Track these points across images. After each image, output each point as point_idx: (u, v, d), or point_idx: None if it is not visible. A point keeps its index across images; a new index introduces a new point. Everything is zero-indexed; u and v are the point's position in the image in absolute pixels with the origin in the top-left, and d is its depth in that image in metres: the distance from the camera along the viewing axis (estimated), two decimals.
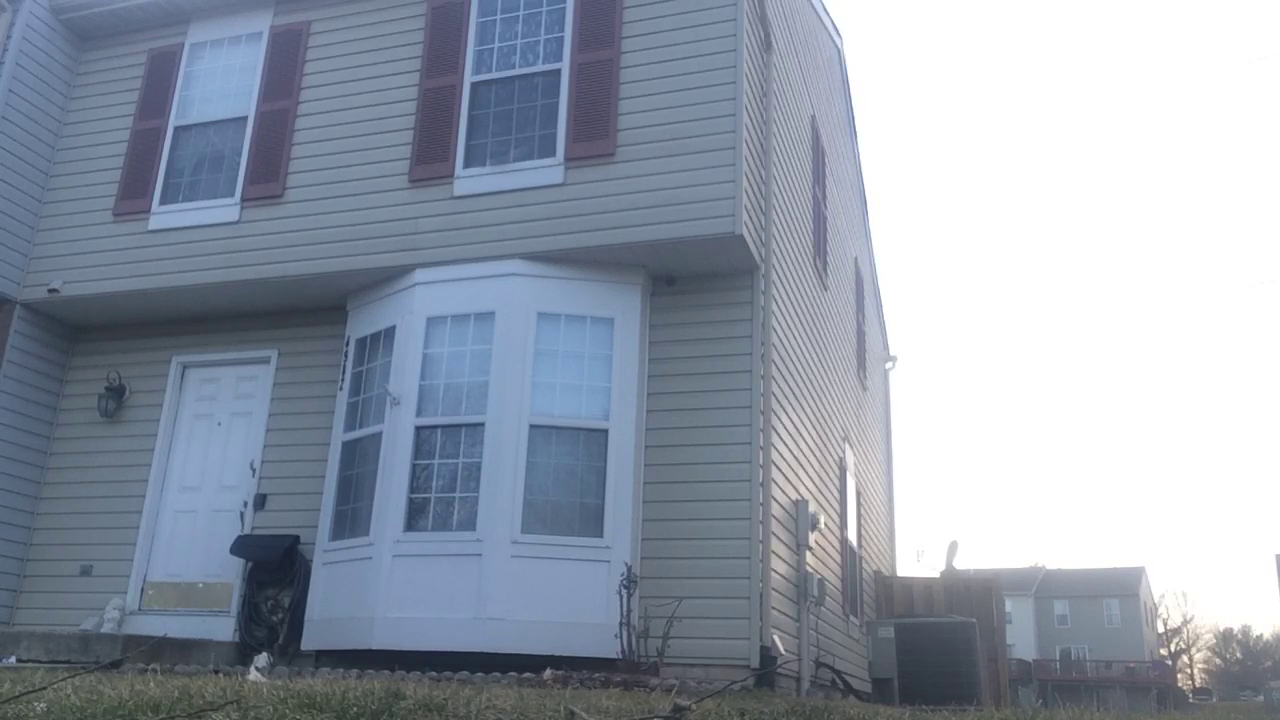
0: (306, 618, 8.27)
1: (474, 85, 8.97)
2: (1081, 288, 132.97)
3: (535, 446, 7.86)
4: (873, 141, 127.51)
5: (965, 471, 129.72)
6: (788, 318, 9.35)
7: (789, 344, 9.35)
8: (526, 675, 6.54)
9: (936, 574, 15.68)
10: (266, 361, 9.49)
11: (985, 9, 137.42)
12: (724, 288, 8.37)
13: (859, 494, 13.56)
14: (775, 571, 8.07)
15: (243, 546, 8.78)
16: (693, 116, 8.18)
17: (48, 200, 10.06)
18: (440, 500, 7.89)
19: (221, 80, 9.98)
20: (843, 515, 12.11)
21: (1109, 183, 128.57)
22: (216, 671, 6.45)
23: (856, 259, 15.53)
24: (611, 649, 7.25)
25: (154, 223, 9.60)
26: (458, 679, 6.31)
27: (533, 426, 7.89)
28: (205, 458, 9.44)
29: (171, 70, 10.13)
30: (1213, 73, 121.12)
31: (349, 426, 8.62)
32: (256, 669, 6.54)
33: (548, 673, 6.51)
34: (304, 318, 9.45)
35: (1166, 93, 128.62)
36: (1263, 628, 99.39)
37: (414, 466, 7.98)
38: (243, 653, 8.25)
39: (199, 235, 9.37)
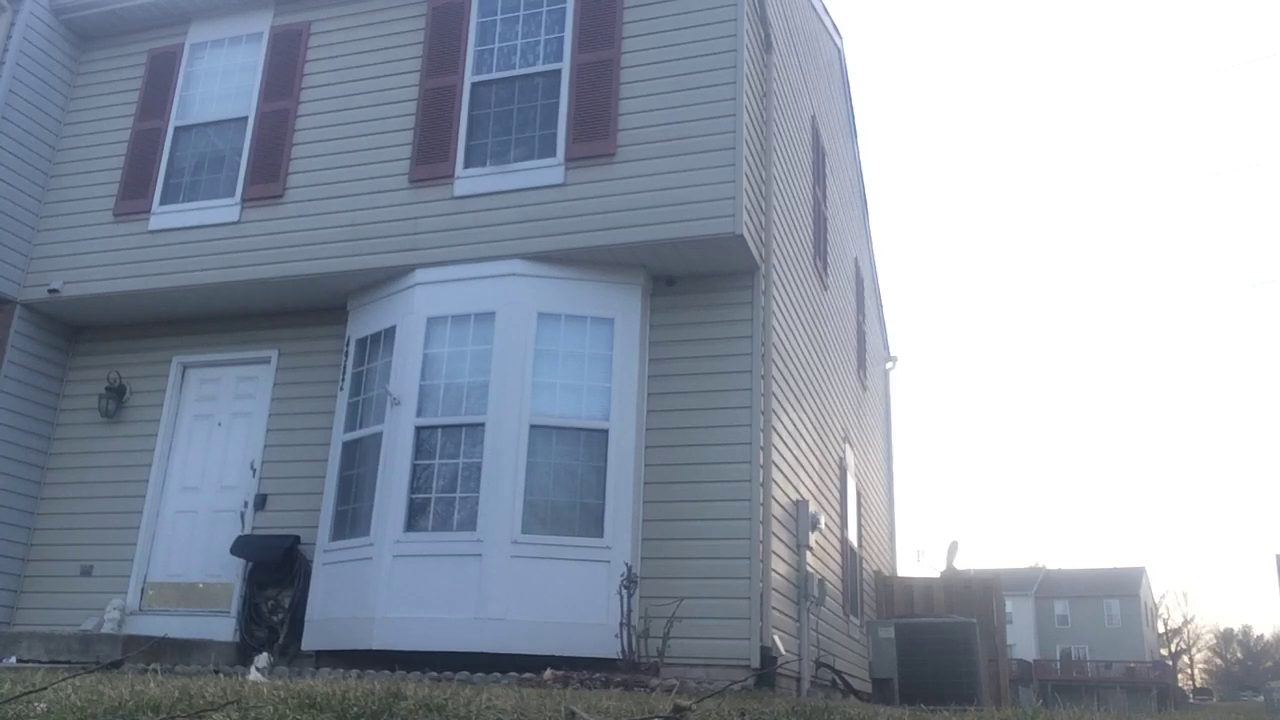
0: (307, 618, 8.27)
1: (474, 85, 8.97)
2: (1082, 287, 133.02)
3: (535, 447, 7.86)
4: (873, 141, 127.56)
5: (965, 471, 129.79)
6: (788, 318, 9.35)
7: (789, 344, 9.34)
8: (527, 675, 6.54)
9: (937, 574, 15.69)
10: (267, 362, 9.49)
11: (985, 9, 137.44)
12: (724, 288, 8.36)
13: (859, 494, 13.56)
14: (775, 571, 8.07)
15: (243, 547, 8.77)
16: (693, 116, 8.18)
17: (48, 200, 10.06)
18: (440, 500, 7.89)
19: (222, 80, 9.98)
20: (843, 515, 12.11)
21: (1109, 183, 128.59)
22: (217, 672, 6.45)
23: (856, 259, 15.53)
24: (612, 649, 7.25)
25: (154, 223, 9.60)
26: (458, 679, 6.30)
27: (533, 427, 7.88)
28: (205, 458, 9.43)
29: (172, 70, 10.13)
30: (1213, 73, 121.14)
31: (349, 426, 8.62)
32: (257, 669, 6.54)
33: (548, 673, 6.51)
34: (304, 318, 9.44)
35: (1166, 93, 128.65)
36: (1263, 628, 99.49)
37: (414, 467, 7.98)
38: (243, 653, 8.25)
39: (199, 235, 9.37)
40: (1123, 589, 69.19)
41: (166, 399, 9.66)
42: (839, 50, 14.92)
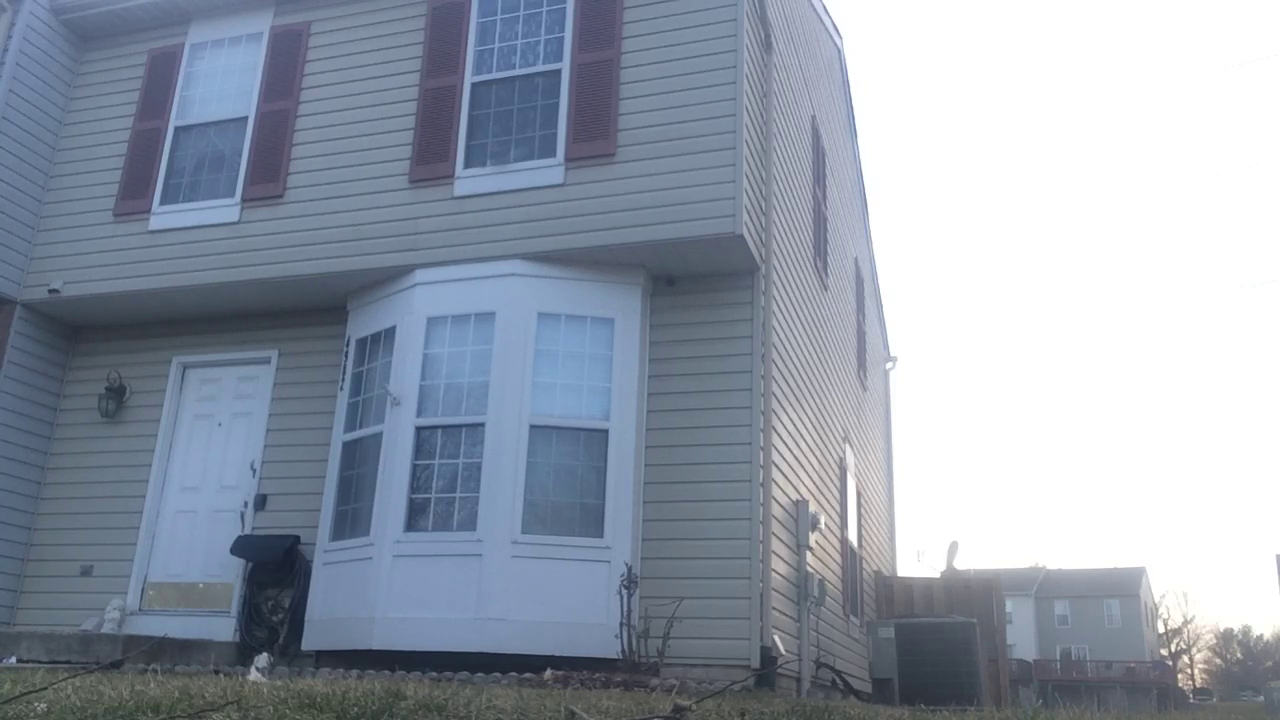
0: (307, 618, 8.27)
1: (474, 85, 8.97)
2: (1082, 287, 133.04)
3: (535, 447, 7.86)
4: (873, 141, 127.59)
5: (965, 471, 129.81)
6: (788, 318, 9.35)
7: (789, 344, 9.34)
8: (527, 675, 6.54)
9: (937, 574, 15.69)
10: (267, 362, 9.49)
11: (985, 9, 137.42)
12: (724, 288, 8.36)
13: (859, 494, 13.56)
14: (775, 572, 8.07)
15: (243, 547, 8.78)
16: (693, 116, 8.18)
17: (48, 200, 10.06)
18: (441, 500, 7.89)
19: (222, 80, 9.98)
20: (843, 515, 12.11)
21: (1109, 183, 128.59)
22: (217, 672, 6.45)
23: (856, 259, 15.53)
24: (612, 649, 7.25)
25: (154, 223, 9.60)
26: (458, 679, 6.31)
27: (533, 427, 7.88)
28: (205, 458, 9.43)
29: (172, 70, 10.13)
30: (1213, 73, 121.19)
31: (349, 427, 8.62)
32: (257, 669, 6.54)
33: (548, 673, 6.51)
34: (304, 318, 9.44)
35: (1166, 93, 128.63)
36: (1263, 628, 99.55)
37: (414, 467, 7.98)
38: (243, 653, 8.25)
39: (199, 235, 9.37)
40: (1123, 589, 69.20)
41: (166, 399, 9.65)
42: (839, 50, 14.92)
